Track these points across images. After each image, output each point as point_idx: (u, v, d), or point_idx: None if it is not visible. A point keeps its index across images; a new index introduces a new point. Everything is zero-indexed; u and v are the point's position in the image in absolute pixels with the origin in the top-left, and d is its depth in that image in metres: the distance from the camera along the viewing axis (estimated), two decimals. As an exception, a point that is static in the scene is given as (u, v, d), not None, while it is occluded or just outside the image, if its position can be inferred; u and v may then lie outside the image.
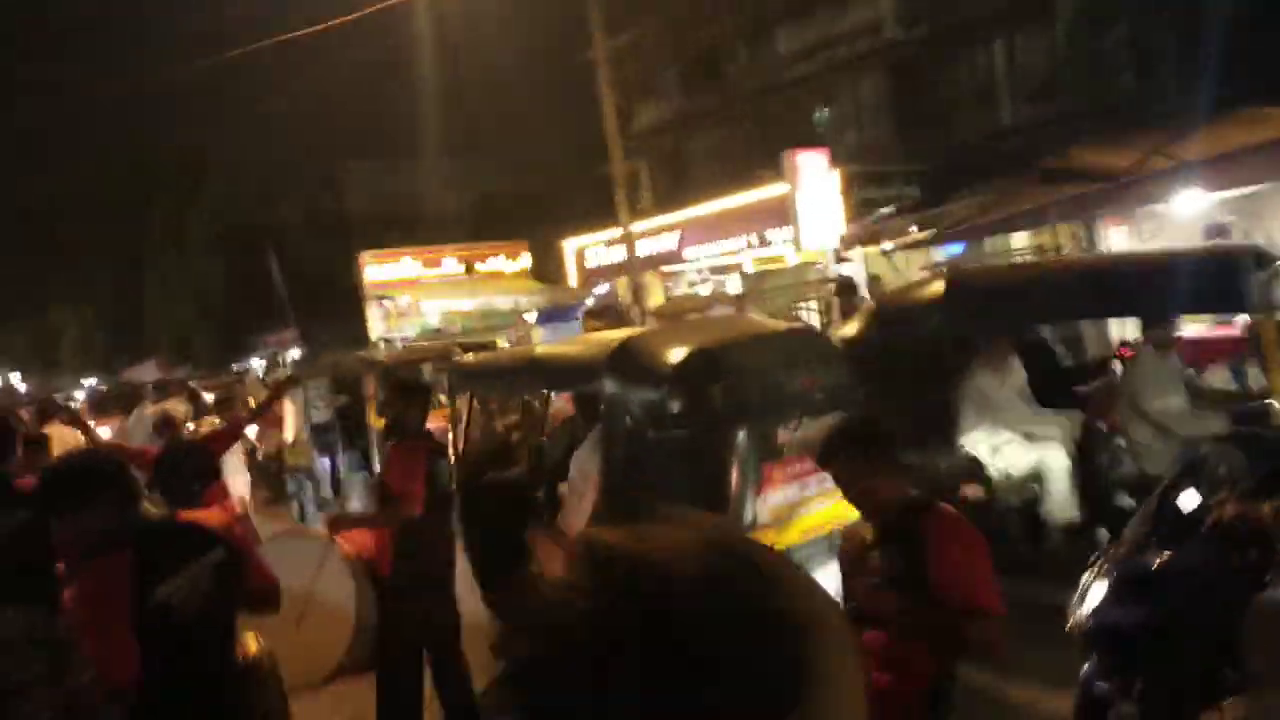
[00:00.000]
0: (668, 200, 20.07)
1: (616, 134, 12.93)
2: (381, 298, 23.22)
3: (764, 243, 15.19)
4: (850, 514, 4.21)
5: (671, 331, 5.20)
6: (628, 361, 4.39)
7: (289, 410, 9.61)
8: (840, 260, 13.37)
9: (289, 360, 26.52)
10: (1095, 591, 3.09)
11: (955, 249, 12.61)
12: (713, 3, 20.80)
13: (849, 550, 2.85)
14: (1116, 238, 9.95)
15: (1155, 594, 2.86)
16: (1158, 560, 2.96)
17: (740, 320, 6.91)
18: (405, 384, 4.86)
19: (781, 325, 5.98)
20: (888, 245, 13.09)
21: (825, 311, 13.93)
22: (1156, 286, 4.75)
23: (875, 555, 2.72)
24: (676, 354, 4.27)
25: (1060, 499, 5.01)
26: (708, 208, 16.19)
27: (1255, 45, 10.80)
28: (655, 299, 17.21)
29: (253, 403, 11.49)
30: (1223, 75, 10.34)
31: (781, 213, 14.27)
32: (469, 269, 23.89)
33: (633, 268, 15.40)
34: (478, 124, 28.25)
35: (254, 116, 35.30)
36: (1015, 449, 5.09)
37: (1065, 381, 5.73)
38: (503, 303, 23.35)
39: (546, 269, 24.63)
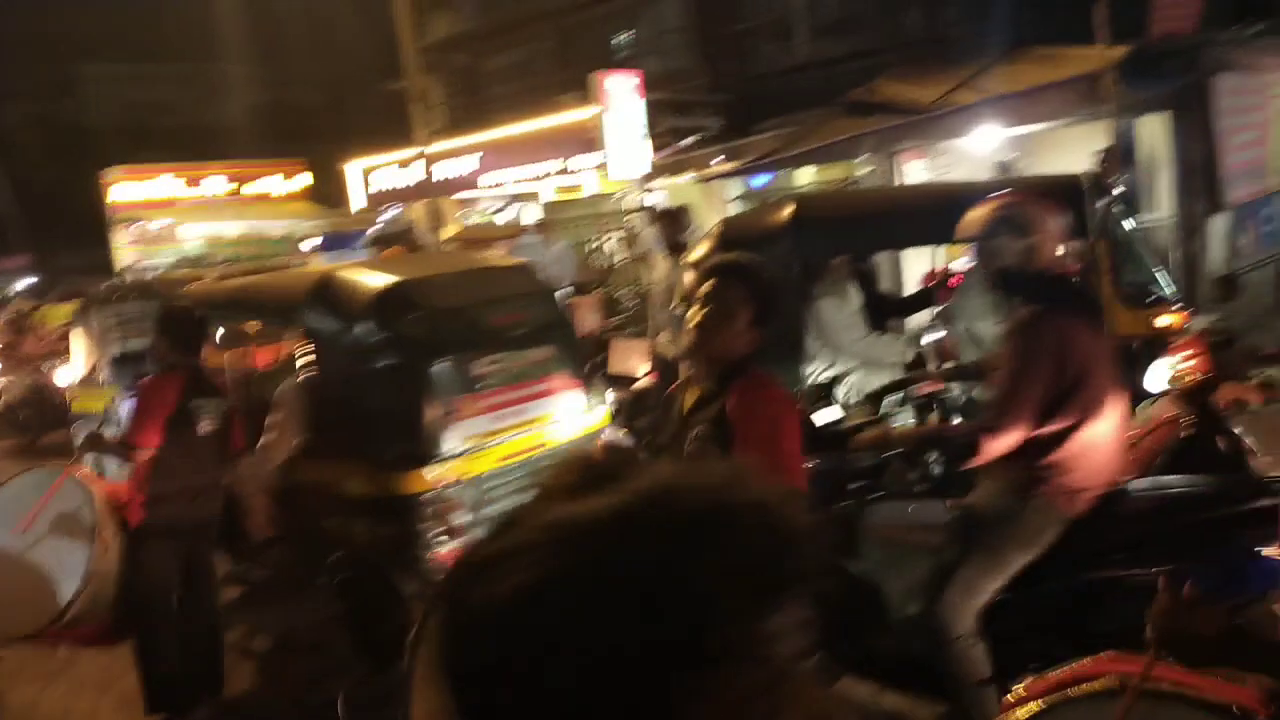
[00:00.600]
0: (463, 121, 19.02)
1: (412, 42, 11.88)
2: (132, 220, 20.75)
3: (567, 170, 14.70)
4: (545, 443, 4.67)
5: (376, 265, 5.37)
6: (328, 295, 4.54)
7: (77, 340, 8.11)
8: (647, 190, 13.12)
9: (14, 291, 23.26)
10: None
11: (763, 179, 12.68)
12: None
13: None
14: (913, 171, 10.30)
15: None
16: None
17: (455, 256, 7.24)
18: (162, 312, 4.68)
19: (497, 261, 6.17)
20: (691, 175, 13.01)
21: (630, 241, 13.71)
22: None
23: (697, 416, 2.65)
24: (372, 288, 4.46)
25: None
26: (508, 131, 15.39)
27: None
28: (449, 226, 16.35)
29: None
30: (1010, 14, 10.86)
31: (586, 139, 13.81)
32: (238, 190, 21.69)
33: (431, 191, 14.45)
34: (248, 28, 25.47)
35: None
36: (858, 376, 5.04)
37: (889, 307, 5.77)
38: (276, 228, 21.55)
39: (326, 192, 22.94)
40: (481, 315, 4.66)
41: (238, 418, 4.68)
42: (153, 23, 26.54)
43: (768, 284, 2.67)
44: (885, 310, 5.66)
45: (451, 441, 4.33)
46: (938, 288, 5.83)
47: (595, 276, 12.98)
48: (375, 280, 4.53)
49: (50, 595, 4.24)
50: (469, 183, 16.73)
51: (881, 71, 11.88)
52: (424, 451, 4.23)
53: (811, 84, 14.76)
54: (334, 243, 17.73)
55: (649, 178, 13.05)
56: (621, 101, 12.57)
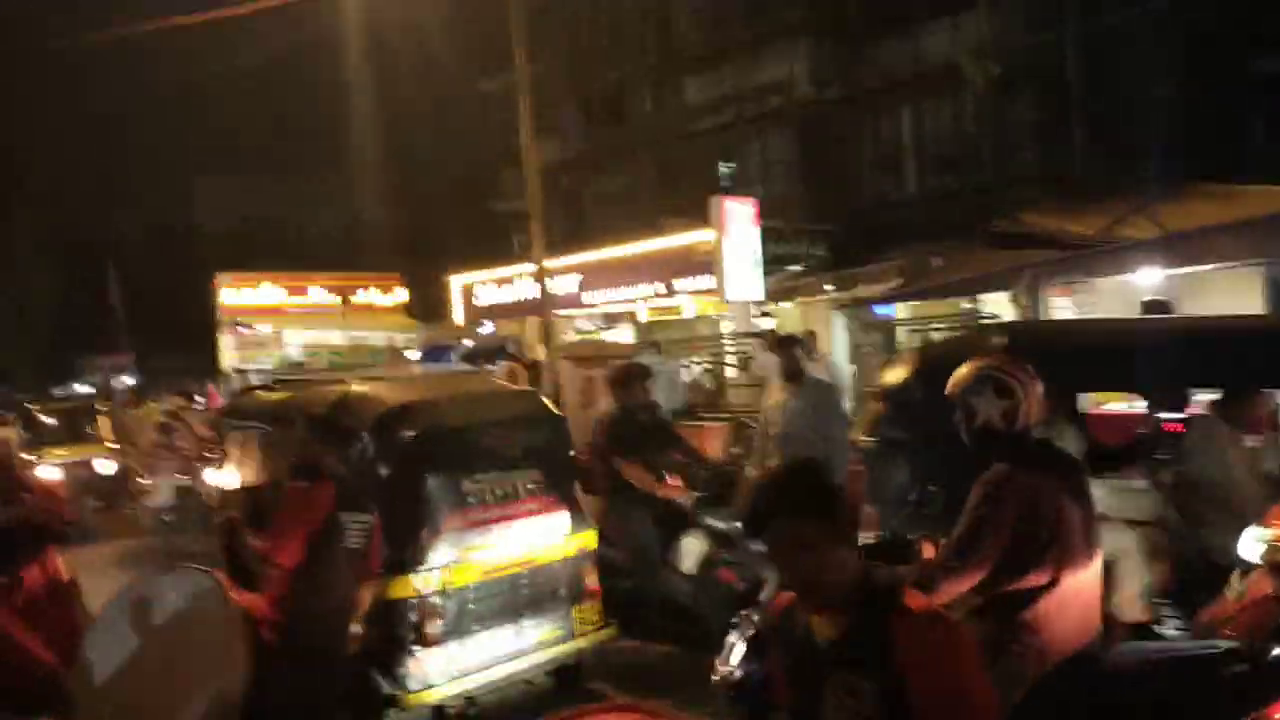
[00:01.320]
0: (563, 243, 19.25)
1: (535, 162, 12.03)
2: (238, 324, 21.28)
3: (671, 292, 14.59)
4: (529, 560, 4.82)
5: (394, 384, 5.71)
6: (343, 409, 4.95)
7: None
8: (763, 314, 12.89)
9: (121, 386, 23.85)
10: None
11: (886, 310, 12.35)
12: (621, 44, 20.38)
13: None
14: (1058, 308, 9.83)
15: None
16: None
17: (464, 380, 7.74)
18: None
19: (501, 388, 6.46)
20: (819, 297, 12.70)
21: (743, 364, 13.39)
22: (1240, 354, 4.27)
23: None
24: (379, 405, 4.86)
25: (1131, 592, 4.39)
26: (612, 252, 15.47)
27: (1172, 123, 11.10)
28: (556, 342, 16.31)
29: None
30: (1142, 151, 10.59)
31: (694, 262, 13.75)
32: (344, 300, 22.22)
33: (532, 308, 14.44)
34: (352, 145, 26.60)
35: (89, 115, 31.93)
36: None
37: (1101, 453, 5.20)
38: (376, 338, 21.92)
39: (423, 305, 23.35)
40: (478, 436, 4.95)
41: (378, 533, 4.47)
42: (260, 139, 27.93)
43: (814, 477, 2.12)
44: (1099, 456, 5.11)
45: (439, 553, 4.55)
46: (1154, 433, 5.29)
47: (704, 398, 12.65)
48: (384, 398, 4.94)
49: (171, 712, 3.78)
50: (570, 301, 16.77)
51: (992, 207, 11.65)
52: (411, 559, 4.48)
53: (917, 217, 14.63)
54: (432, 352, 17.82)
55: (759, 304, 12.82)
56: (738, 226, 12.47)
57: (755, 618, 3.50)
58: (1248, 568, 3.74)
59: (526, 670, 4.80)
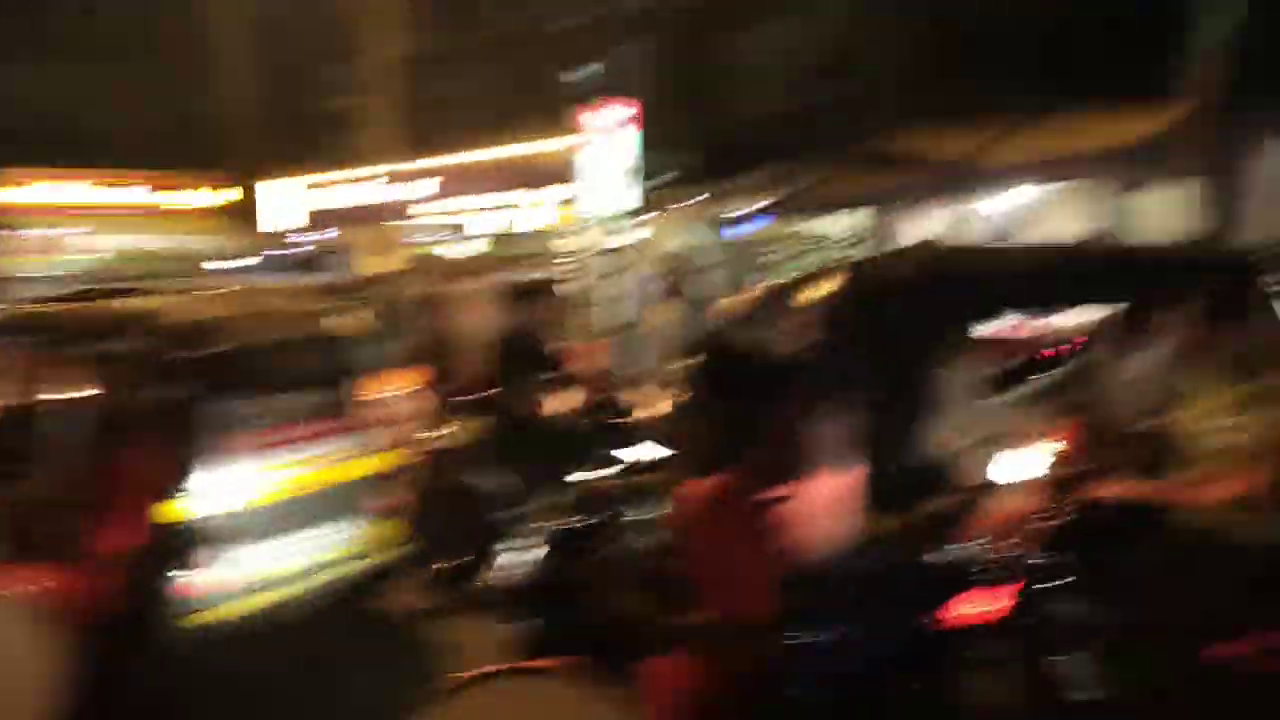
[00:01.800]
0: (400, 144, 18.09)
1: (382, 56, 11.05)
2: (13, 226, 18.68)
3: (535, 202, 14.06)
4: (315, 481, 4.91)
5: (181, 302, 5.51)
6: (127, 327, 4.80)
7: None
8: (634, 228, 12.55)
9: None
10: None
11: (745, 229, 12.31)
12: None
13: None
14: (907, 230, 10.03)
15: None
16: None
17: (258, 294, 7.23)
18: None
19: (297, 306, 6.31)
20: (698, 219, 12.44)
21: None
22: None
23: None
24: (162, 323, 4.80)
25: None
26: (477, 156, 14.65)
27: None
28: (393, 254, 15.41)
29: None
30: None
31: (555, 171, 13.23)
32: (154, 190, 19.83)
33: (383, 214, 13.49)
34: (161, 33, 23.78)
35: None
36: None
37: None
38: (201, 245, 19.98)
39: (243, 211, 21.50)
40: (266, 357, 5.02)
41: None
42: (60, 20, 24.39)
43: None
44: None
45: (220, 476, 4.59)
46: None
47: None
48: (168, 315, 4.91)
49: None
50: (425, 208, 15.91)
51: (865, 125, 11.66)
52: (194, 481, 4.49)
53: (786, 134, 14.48)
54: (272, 263, 16.52)
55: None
56: (614, 132, 11.99)
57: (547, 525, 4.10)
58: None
59: (318, 587, 4.90)
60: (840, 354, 4.37)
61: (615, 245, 12.49)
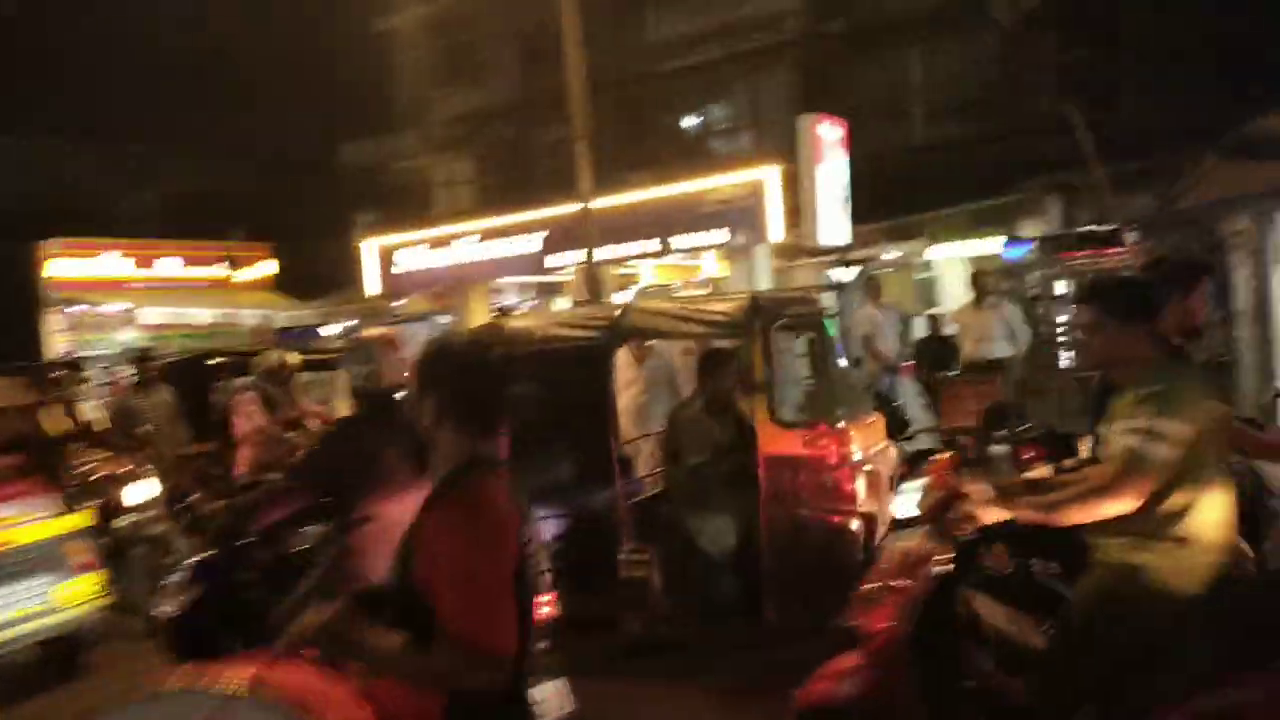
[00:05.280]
0: (499, 200, 16.14)
1: (583, 91, 9.17)
2: (71, 302, 16.74)
3: (666, 249, 12.03)
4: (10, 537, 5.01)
5: None
6: None
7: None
8: (844, 265, 10.46)
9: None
10: None
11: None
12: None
13: None
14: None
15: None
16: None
17: None
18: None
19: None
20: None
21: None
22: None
23: None
24: None
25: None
26: (622, 199, 12.49)
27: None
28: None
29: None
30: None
31: (698, 212, 11.30)
32: (231, 264, 18.18)
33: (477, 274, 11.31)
34: (174, 106, 22.02)
35: None
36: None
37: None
38: (249, 317, 17.90)
39: (293, 278, 19.46)
40: None
41: None
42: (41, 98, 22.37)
43: None
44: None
45: None
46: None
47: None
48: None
49: None
50: (530, 265, 13.78)
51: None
52: None
53: (927, 169, 12.75)
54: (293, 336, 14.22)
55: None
56: (827, 155, 9.94)
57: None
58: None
59: (4, 643, 4.89)
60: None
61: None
